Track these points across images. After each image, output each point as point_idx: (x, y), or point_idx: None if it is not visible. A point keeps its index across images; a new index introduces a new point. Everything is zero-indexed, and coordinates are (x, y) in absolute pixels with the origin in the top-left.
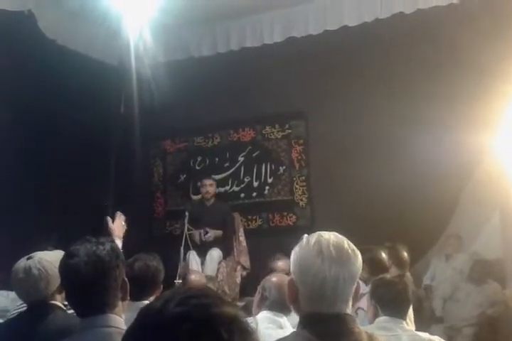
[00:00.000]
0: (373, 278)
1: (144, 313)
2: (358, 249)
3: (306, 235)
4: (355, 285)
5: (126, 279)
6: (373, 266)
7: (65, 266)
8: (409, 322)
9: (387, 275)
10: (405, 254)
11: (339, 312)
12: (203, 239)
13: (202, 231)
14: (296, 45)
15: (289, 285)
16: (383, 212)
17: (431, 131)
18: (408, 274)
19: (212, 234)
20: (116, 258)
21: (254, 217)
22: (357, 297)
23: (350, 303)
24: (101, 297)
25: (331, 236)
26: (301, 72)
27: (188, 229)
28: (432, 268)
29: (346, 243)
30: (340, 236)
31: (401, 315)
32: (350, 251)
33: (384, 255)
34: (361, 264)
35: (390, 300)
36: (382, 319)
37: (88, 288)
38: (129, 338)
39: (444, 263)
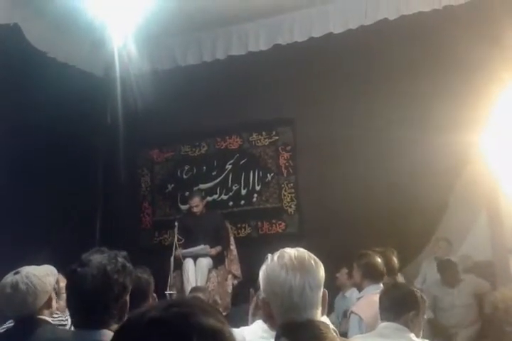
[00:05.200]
0: (367, 282)
1: (129, 317)
2: (357, 253)
3: (269, 254)
4: (322, 292)
5: (127, 300)
6: (367, 271)
7: (72, 272)
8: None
9: (392, 281)
10: (395, 260)
11: (310, 319)
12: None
13: (202, 247)
14: (281, 53)
15: (262, 303)
16: (372, 216)
17: (418, 134)
18: (401, 278)
19: (213, 251)
20: (124, 278)
21: (244, 225)
22: (326, 304)
23: (320, 310)
24: (98, 312)
25: (292, 251)
26: (287, 79)
27: (178, 239)
28: (422, 272)
29: (307, 255)
30: (302, 249)
31: (401, 320)
32: (312, 261)
33: (379, 260)
34: (323, 273)
35: (388, 306)
36: (382, 325)
37: (88, 301)
38: (111, 339)
39: (435, 266)
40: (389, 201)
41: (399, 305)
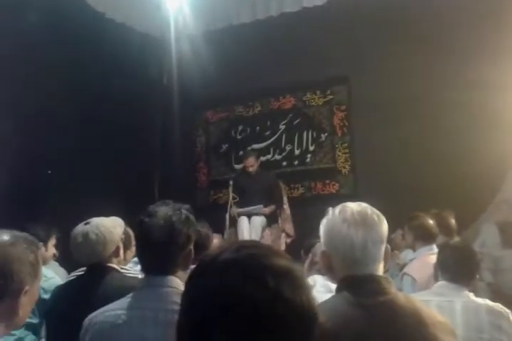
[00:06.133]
0: (419, 244)
1: (201, 259)
2: (408, 216)
3: (330, 208)
4: (384, 247)
5: (192, 250)
6: (420, 232)
7: (140, 223)
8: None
9: (454, 240)
10: (452, 221)
11: (372, 274)
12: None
13: (256, 207)
14: (337, 7)
15: (322, 255)
16: (429, 178)
17: (478, 93)
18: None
19: (267, 210)
20: (188, 228)
21: (297, 186)
22: (387, 259)
23: (382, 265)
24: (165, 260)
25: (354, 205)
26: (342, 36)
27: (233, 198)
28: (482, 235)
29: (370, 209)
30: (364, 204)
31: (462, 281)
32: (374, 216)
33: (432, 222)
34: (387, 228)
35: (450, 265)
36: (439, 284)
37: (156, 249)
38: (186, 282)
39: (495, 229)
40: (446, 162)
41: (457, 265)
